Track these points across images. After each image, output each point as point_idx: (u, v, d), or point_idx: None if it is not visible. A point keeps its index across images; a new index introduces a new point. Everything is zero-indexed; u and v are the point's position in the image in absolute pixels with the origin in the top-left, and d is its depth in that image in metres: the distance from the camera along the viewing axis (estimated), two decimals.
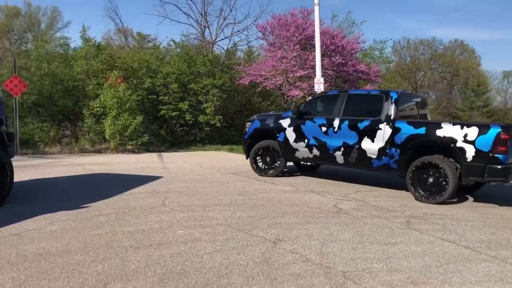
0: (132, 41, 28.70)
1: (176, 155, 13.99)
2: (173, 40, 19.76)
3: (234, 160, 12.86)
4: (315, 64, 16.71)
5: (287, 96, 17.48)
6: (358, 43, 18.34)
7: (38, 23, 50.27)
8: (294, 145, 9.22)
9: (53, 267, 4.17)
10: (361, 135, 8.27)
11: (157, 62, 16.31)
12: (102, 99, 13.43)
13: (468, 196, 8.24)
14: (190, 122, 16.19)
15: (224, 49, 20.21)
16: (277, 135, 9.45)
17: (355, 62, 18.10)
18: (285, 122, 9.40)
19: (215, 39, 19.82)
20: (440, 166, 7.33)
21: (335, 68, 17.49)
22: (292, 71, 16.65)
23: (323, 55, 16.40)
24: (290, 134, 9.27)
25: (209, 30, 19.85)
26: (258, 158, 9.79)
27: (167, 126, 16.87)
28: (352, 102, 8.71)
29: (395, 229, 5.75)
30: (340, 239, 5.27)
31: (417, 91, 40.23)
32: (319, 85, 15.23)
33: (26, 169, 10.01)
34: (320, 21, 15.56)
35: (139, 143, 13.57)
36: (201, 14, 19.64)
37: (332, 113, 8.79)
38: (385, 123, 8.04)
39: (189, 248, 4.77)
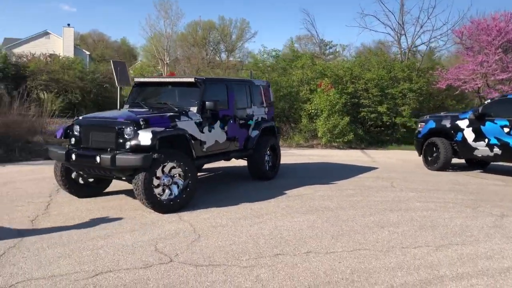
0: (314, 48, 31.23)
1: (377, 152, 15.61)
2: (369, 49, 21.29)
3: None
4: None
5: (486, 99, 17.57)
6: None
7: (230, 34, 56.74)
8: (473, 144, 10.08)
9: (339, 215, 6.18)
10: None
11: (358, 69, 18.14)
12: (316, 102, 15.82)
13: None
14: (387, 123, 17.59)
15: (420, 55, 20.94)
16: (455, 135, 10.42)
17: None
18: (463, 123, 10.33)
19: (411, 45, 20.79)
20: None
21: None
22: (493, 74, 16.75)
23: None
24: (469, 134, 10.17)
25: (405, 37, 20.88)
26: (433, 154, 10.87)
27: (363, 127, 18.52)
28: None
29: None
30: None
31: None
32: None
33: None
34: None
35: (345, 140, 15.58)
36: (398, 23, 20.81)
37: None
38: None
39: (430, 214, 6.35)
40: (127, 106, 7.52)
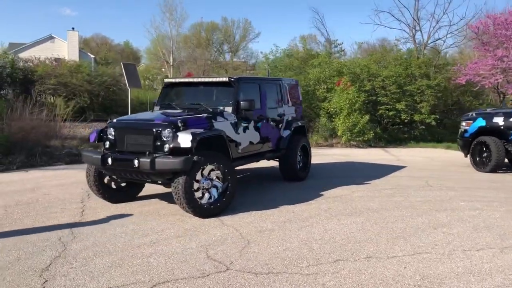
0: (319, 47, 31.02)
1: (398, 150, 15.37)
2: (383, 47, 21.05)
3: (459, 157, 13.59)
4: None
5: (506, 95, 17.33)
6: None
7: (233, 35, 56.59)
8: None
9: (386, 216, 5.92)
10: None
11: (375, 67, 17.90)
12: (335, 101, 15.59)
13: None
14: (406, 120, 17.33)
15: (438, 51, 20.67)
16: (510, 133, 9.75)
17: None
18: None
19: (427, 41, 20.52)
20: None
21: None
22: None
23: None
24: None
25: (421, 33, 20.62)
26: (482, 154, 10.12)
27: (380, 125, 18.27)
28: None
29: None
30: None
31: None
32: None
33: None
34: None
35: (365, 139, 15.35)
36: (413, 18, 20.57)
37: None
38: None
39: (479, 214, 6.09)
40: (158, 107, 7.31)
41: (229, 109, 6.69)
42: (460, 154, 11.17)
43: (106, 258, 4.35)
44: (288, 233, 5.16)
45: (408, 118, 17.35)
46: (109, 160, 5.86)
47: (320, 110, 16.53)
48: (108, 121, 6.36)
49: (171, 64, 48.67)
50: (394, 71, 17.27)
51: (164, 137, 5.74)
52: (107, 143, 6.20)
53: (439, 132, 19.21)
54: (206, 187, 5.88)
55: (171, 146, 5.65)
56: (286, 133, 8.09)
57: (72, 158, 11.47)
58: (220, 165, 5.93)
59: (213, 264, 4.19)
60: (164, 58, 49.27)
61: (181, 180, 5.56)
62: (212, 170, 5.93)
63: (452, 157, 13.24)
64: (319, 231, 5.24)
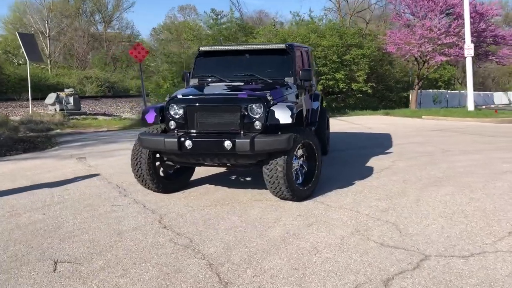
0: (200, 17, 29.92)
1: (348, 118, 15.78)
2: (310, 15, 21.21)
3: (408, 121, 14.52)
4: (459, 31, 17.83)
5: (428, 63, 18.79)
6: (495, 9, 19.14)
7: (105, 4, 52.94)
8: None
9: (467, 183, 5.89)
10: None
11: (314, 36, 17.97)
12: None
13: None
14: (344, 90, 17.85)
15: (366, 21, 21.45)
16: None
17: (494, 27, 19.00)
18: None
19: (353, 11, 21.15)
20: None
21: (475, 34, 18.45)
22: (439, 39, 17.82)
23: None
24: None
25: (347, 3, 21.19)
26: None
27: None
28: None
29: None
30: None
31: None
32: (469, 51, 16.43)
33: None
34: None
35: None
36: None
37: None
38: None
39: None
40: (195, 80, 6.32)
41: (290, 80, 6.04)
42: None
43: (277, 260, 3.61)
44: (411, 210, 4.83)
45: (346, 87, 17.89)
46: (188, 143, 4.89)
47: None
48: (169, 97, 5.28)
49: (47, 35, 43.95)
50: (332, 41, 17.54)
51: (253, 113, 4.95)
52: (172, 123, 5.17)
53: (367, 100, 20.22)
54: (297, 167, 5.26)
55: (266, 123, 4.89)
56: (315, 105, 7.64)
57: (26, 145, 9.64)
58: (310, 142, 5.33)
59: (405, 253, 3.70)
60: (38, 28, 44.23)
61: (280, 161, 4.87)
62: (299, 148, 5.31)
63: (408, 122, 14.02)
64: (437, 205, 5.00)
